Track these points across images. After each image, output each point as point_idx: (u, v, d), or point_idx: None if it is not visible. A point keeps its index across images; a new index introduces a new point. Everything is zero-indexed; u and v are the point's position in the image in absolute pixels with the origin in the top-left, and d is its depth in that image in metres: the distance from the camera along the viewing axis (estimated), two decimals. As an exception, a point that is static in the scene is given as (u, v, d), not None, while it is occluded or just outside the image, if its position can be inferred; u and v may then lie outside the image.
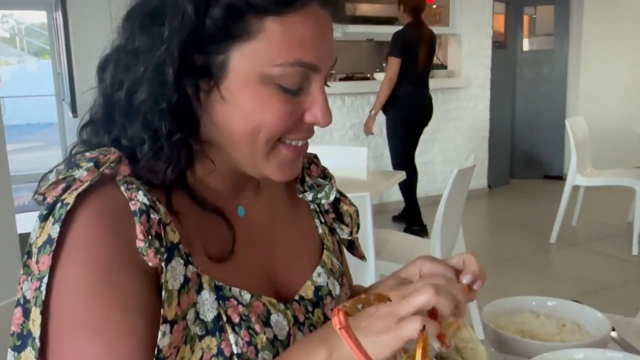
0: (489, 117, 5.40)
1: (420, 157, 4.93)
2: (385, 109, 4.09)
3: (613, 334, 0.84)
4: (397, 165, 4.13)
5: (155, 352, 0.56)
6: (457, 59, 5.25)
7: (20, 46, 13.24)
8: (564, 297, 1.68)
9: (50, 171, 0.63)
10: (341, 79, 4.91)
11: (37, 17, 11.16)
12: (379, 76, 4.96)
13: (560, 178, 5.47)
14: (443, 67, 5.35)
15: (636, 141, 4.29)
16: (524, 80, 6.02)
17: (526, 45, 6.19)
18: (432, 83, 4.82)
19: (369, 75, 5.08)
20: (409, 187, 4.19)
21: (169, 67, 0.60)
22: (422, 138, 4.92)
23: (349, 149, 3.39)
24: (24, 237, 2.86)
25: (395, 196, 4.69)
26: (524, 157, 6.06)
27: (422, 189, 4.98)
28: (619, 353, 0.65)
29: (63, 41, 4.81)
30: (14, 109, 10.26)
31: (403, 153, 4.17)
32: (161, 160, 0.63)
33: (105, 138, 0.66)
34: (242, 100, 0.63)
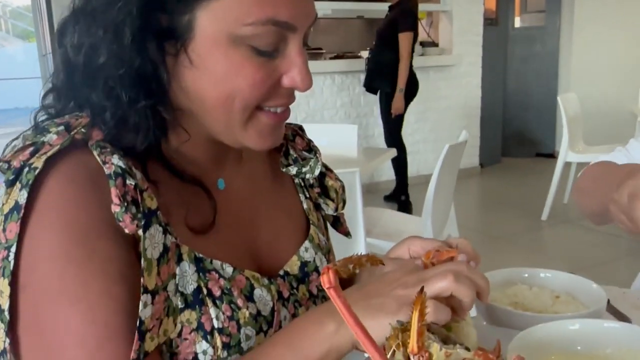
0: (481, 95, 5.37)
1: (412, 135, 4.90)
2: (384, 86, 4.05)
3: (611, 305, 0.82)
4: (392, 143, 4.13)
5: (137, 324, 0.53)
6: (448, 37, 5.20)
7: (5, 29, 13.00)
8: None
9: (16, 138, 0.59)
10: (331, 58, 4.85)
11: (22, -1, 10.95)
12: (366, 54, 4.94)
13: (552, 156, 5.47)
14: (434, 44, 5.30)
15: (628, 117, 4.28)
16: (516, 57, 5.99)
17: (518, 22, 6.15)
18: (423, 60, 4.79)
19: (359, 54, 5.02)
20: (403, 164, 4.24)
21: (128, 27, 0.56)
22: (413, 117, 4.91)
23: (339, 126, 3.35)
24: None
25: (387, 175, 4.68)
26: (515, 135, 6.05)
27: (414, 168, 4.96)
28: (615, 323, 0.63)
29: (47, 24, 4.72)
30: (1, 93, 10.11)
31: (399, 130, 4.19)
32: (130, 129, 0.58)
33: (69, 105, 0.62)
34: (212, 64, 0.58)
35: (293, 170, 0.76)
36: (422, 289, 0.45)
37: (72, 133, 0.57)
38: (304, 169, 0.76)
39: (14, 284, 0.53)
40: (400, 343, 0.44)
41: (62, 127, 0.57)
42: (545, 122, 5.86)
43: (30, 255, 0.53)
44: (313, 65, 4.72)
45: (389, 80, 3.97)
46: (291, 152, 0.78)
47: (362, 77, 4.61)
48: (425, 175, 4.84)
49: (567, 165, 4.00)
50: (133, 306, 0.54)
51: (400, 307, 0.53)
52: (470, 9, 5.18)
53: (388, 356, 0.45)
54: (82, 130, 0.58)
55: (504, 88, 5.95)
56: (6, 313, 0.53)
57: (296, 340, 0.56)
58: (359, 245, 1.78)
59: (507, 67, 5.97)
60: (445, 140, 5.37)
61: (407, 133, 4.86)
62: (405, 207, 4.21)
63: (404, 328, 0.45)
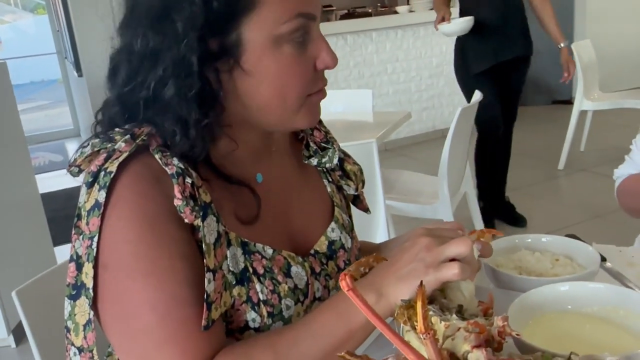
0: (495, 45, 5.30)
1: (426, 91, 4.92)
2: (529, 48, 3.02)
3: (607, 264, 0.91)
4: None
5: (205, 297, 0.64)
6: (459, -12, 5.10)
7: (14, 2, 12.97)
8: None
9: (85, 145, 0.70)
10: (342, 17, 4.82)
11: (28, -30, 10.87)
12: (402, 9, 4.76)
13: (570, 102, 5.42)
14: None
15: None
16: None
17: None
18: (434, 14, 4.73)
19: (370, 10, 4.98)
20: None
21: (193, 58, 0.65)
22: (427, 72, 4.89)
23: (354, 92, 3.39)
24: (45, 197, 2.94)
25: (404, 132, 4.72)
26: (531, 83, 5.94)
27: (430, 123, 5.00)
28: (600, 284, 0.72)
29: (59, -2, 4.75)
30: (16, 68, 10.20)
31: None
32: (189, 144, 0.68)
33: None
34: (264, 68, 0.68)
35: (314, 161, 0.86)
36: (421, 282, 0.54)
37: (138, 141, 0.67)
38: (323, 160, 0.86)
39: (96, 266, 0.64)
40: (407, 319, 0.54)
41: (128, 136, 0.68)
42: (561, 68, 5.77)
43: (109, 241, 0.64)
44: (324, 26, 4.65)
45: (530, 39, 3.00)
46: (311, 144, 0.87)
47: (374, 35, 4.59)
48: (442, 129, 4.88)
49: (583, 113, 3.99)
50: (194, 279, 0.65)
51: (427, 268, 0.63)
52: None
53: (401, 334, 0.54)
54: (144, 138, 0.68)
55: (518, 36, 5.85)
56: (90, 290, 0.64)
57: (342, 308, 0.65)
58: (379, 209, 1.88)
59: (521, 14, 5.84)
60: (459, 94, 5.31)
61: (421, 89, 4.88)
62: (511, 215, 3.06)
63: (408, 306, 0.55)
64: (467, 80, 2.95)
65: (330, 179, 0.90)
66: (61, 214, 3.29)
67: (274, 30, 0.67)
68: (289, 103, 0.71)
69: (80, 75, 4.36)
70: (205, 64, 0.67)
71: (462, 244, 0.64)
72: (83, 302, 0.65)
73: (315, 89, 0.73)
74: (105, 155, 0.67)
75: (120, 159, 0.65)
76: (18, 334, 2.40)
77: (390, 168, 2.87)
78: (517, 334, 0.54)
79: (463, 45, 2.96)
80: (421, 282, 0.53)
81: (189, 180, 0.66)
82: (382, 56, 4.62)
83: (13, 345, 2.39)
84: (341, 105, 2.68)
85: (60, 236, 2.85)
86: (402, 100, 4.83)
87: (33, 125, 7.25)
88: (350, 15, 4.85)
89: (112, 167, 0.65)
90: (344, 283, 0.53)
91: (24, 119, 2.72)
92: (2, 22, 12.88)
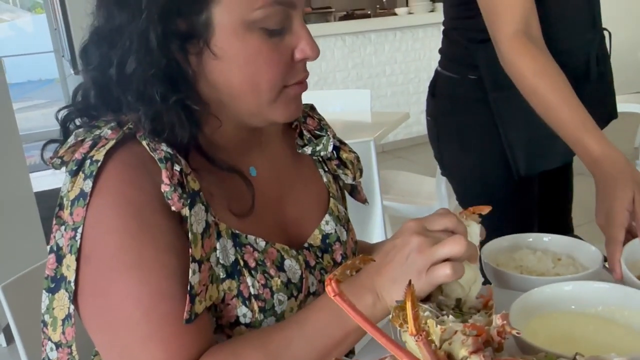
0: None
1: (425, 93, 4.89)
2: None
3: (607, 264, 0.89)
4: None
5: (188, 289, 0.62)
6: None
7: (12, 1, 12.96)
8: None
9: (65, 135, 0.68)
10: (341, 18, 4.82)
11: (26, -31, 10.86)
12: (401, 11, 4.72)
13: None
14: (445, -1, 5.21)
15: (638, 66, 4.22)
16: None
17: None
18: (433, 17, 4.73)
19: (369, 12, 4.98)
20: None
21: (152, 33, 0.63)
22: (426, 74, 4.87)
23: (352, 92, 3.38)
24: (39, 196, 2.92)
25: (402, 134, 4.71)
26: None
27: (422, 127, 4.98)
28: (604, 284, 0.70)
29: (56, -4, 4.73)
30: (13, 66, 10.18)
31: None
32: (165, 125, 0.66)
33: (109, 115, 0.69)
34: (234, 52, 0.66)
35: (308, 150, 0.84)
36: (409, 282, 0.51)
37: (125, 128, 0.65)
38: (317, 148, 0.84)
39: (79, 258, 0.62)
40: (402, 321, 0.52)
41: (114, 124, 0.66)
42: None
43: (93, 231, 0.62)
44: (323, 27, 4.63)
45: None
46: (304, 132, 0.85)
47: (373, 36, 4.58)
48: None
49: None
50: (181, 272, 0.62)
51: (420, 273, 0.60)
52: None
53: (399, 336, 0.52)
54: (130, 126, 0.66)
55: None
56: (72, 284, 0.62)
57: (337, 308, 0.63)
58: (376, 209, 1.86)
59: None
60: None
61: (420, 91, 4.87)
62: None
63: (402, 307, 0.52)
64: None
65: (327, 169, 0.87)
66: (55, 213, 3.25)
67: (246, 15, 0.64)
68: (263, 92, 0.68)
69: (77, 72, 4.33)
70: (171, 42, 0.65)
71: (455, 243, 0.60)
72: (62, 296, 0.63)
73: (293, 81, 0.70)
74: (90, 143, 0.65)
75: (107, 146, 0.63)
76: (9, 333, 2.37)
77: (388, 169, 2.85)
78: (518, 332, 0.52)
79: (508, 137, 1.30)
80: (409, 281, 0.51)
81: (177, 167, 0.64)
82: (381, 57, 4.61)
83: (4, 344, 2.36)
84: (339, 105, 2.66)
85: (54, 235, 2.82)
86: (401, 101, 4.82)
87: (29, 124, 7.22)
88: (349, 16, 4.85)
89: (99, 155, 0.63)
90: (330, 288, 0.51)
91: (20, 118, 2.71)
92: (1, 20, 12.86)
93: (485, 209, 0.68)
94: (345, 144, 0.90)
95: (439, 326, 0.52)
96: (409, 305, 0.47)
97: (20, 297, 0.87)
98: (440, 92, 1.32)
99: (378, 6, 5.22)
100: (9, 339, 2.37)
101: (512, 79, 1.01)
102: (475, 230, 0.66)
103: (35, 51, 8.96)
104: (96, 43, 0.67)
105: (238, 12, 0.64)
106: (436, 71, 1.34)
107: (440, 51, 1.34)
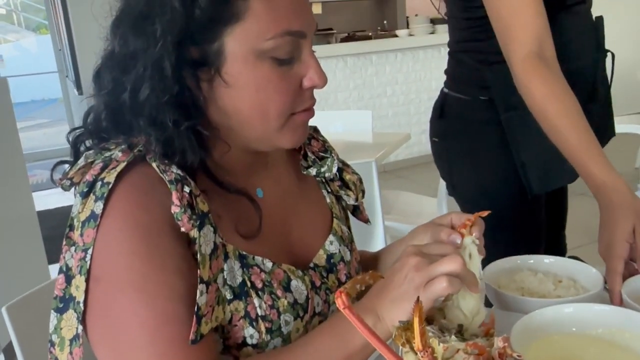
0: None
1: (426, 114, 4.93)
2: None
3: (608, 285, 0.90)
4: None
5: (196, 309, 0.62)
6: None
7: (17, 22, 13.12)
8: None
9: (76, 156, 0.69)
10: (342, 40, 4.87)
11: (32, -9, 11.02)
12: (402, 33, 4.75)
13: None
14: (445, 21, 5.27)
15: (639, 87, 4.25)
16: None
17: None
18: (434, 38, 4.79)
19: (370, 34, 5.03)
20: None
21: (166, 61, 0.64)
22: (427, 95, 4.92)
23: (354, 112, 3.40)
24: (42, 215, 2.93)
25: (403, 154, 4.73)
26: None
27: (428, 145, 4.99)
28: (605, 306, 0.71)
29: (62, 18, 4.79)
30: (17, 86, 10.27)
31: None
32: (176, 150, 0.67)
33: (119, 137, 0.70)
34: (244, 80, 0.67)
35: (313, 171, 0.85)
36: (417, 298, 0.53)
37: (135, 150, 0.66)
38: (322, 169, 0.85)
39: (88, 279, 0.62)
40: (405, 341, 0.53)
41: (124, 146, 0.67)
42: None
43: (102, 252, 0.63)
44: (325, 48, 4.67)
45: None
46: (309, 154, 0.86)
47: (374, 58, 4.62)
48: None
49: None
50: (188, 295, 0.63)
51: (417, 289, 0.61)
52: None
53: (400, 355, 0.53)
54: (140, 148, 0.67)
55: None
56: (81, 305, 0.62)
57: (340, 330, 0.64)
58: (378, 230, 1.87)
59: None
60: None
61: (420, 111, 4.91)
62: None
63: (406, 327, 0.54)
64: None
65: (329, 190, 0.88)
66: (57, 232, 3.24)
67: (257, 44, 0.66)
68: (271, 119, 0.69)
69: (80, 93, 4.38)
70: (184, 69, 0.66)
71: (452, 261, 0.61)
72: (71, 316, 0.63)
73: (301, 108, 0.71)
74: (101, 164, 0.66)
75: (118, 169, 0.64)
76: (9, 352, 2.36)
77: (389, 189, 2.86)
78: (519, 355, 0.53)
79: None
80: (418, 298, 0.52)
81: (187, 188, 0.65)
82: (382, 78, 4.66)
83: (4, 364, 2.35)
84: (341, 126, 2.68)
85: (56, 254, 2.79)
86: (402, 122, 4.85)
87: (32, 143, 7.26)
88: (350, 38, 4.90)
89: (110, 177, 0.64)
90: (340, 301, 0.52)
91: (23, 137, 2.72)
92: (6, 41, 13.00)
93: (482, 214, 0.71)
94: (348, 166, 0.91)
95: (441, 344, 0.53)
96: (416, 320, 0.48)
97: (24, 318, 0.88)
98: (449, 113, 1.32)
99: (379, 28, 5.28)
100: (9, 357, 2.36)
101: (524, 100, 1.03)
102: (476, 263, 0.67)
103: (40, 71, 9.05)
104: (109, 67, 0.69)
105: (250, 42, 0.66)
106: (443, 92, 1.35)
107: (447, 72, 1.35)
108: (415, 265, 0.62)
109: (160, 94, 0.65)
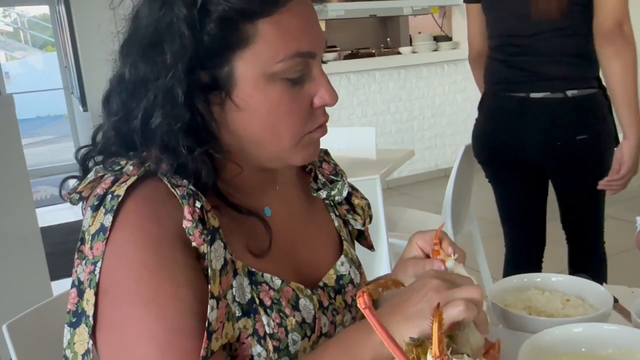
0: (497, 87, 5.38)
1: (429, 130, 4.95)
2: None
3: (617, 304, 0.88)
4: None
5: (206, 325, 0.61)
6: (461, 30, 5.21)
7: (24, 40, 13.27)
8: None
9: (85, 173, 0.69)
10: (345, 57, 4.90)
11: (39, 8, 11.17)
12: (405, 50, 4.78)
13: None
14: (448, 38, 5.32)
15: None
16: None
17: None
18: (438, 55, 4.82)
19: (373, 51, 5.07)
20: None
21: (178, 90, 0.64)
22: (430, 112, 4.94)
23: (358, 129, 3.41)
24: (45, 231, 2.93)
25: (407, 170, 4.73)
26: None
27: (432, 162, 5.01)
28: (615, 326, 0.69)
29: (68, 36, 4.85)
30: (23, 103, 10.37)
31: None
32: (190, 173, 0.67)
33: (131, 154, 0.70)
34: (255, 103, 0.67)
35: (323, 194, 0.85)
36: (438, 304, 0.53)
37: (147, 164, 0.66)
38: (332, 192, 0.85)
39: (97, 292, 0.62)
40: (415, 357, 0.53)
41: (136, 160, 0.67)
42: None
43: (111, 265, 0.62)
44: (328, 66, 4.70)
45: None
46: (319, 177, 0.86)
47: (377, 75, 4.65)
48: (444, 169, 4.89)
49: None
50: (198, 308, 0.62)
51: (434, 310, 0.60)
52: (482, 1, 5.18)
53: None
54: (152, 164, 0.66)
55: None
56: (91, 318, 0.62)
57: (348, 347, 0.63)
58: (382, 247, 1.86)
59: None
60: (461, 134, 5.31)
61: (424, 128, 4.92)
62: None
63: (417, 344, 0.54)
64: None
65: (337, 213, 0.88)
66: (60, 248, 3.25)
67: (267, 67, 0.66)
68: (284, 140, 0.69)
69: (85, 109, 4.41)
70: (195, 95, 0.66)
71: (472, 289, 0.62)
72: (82, 331, 0.62)
73: (314, 126, 0.71)
74: (112, 178, 0.65)
75: (129, 182, 0.64)
76: (10, 370, 2.34)
77: (393, 206, 2.85)
78: None
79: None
80: (438, 304, 0.52)
81: (198, 203, 0.64)
82: (385, 95, 4.68)
83: (4, 382, 2.33)
84: (344, 143, 2.68)
85: (58, 270, 2.81)
86: (405, 139, 4.86)
87: (36, 159, 7.30)
88: (354, 55, 4.93)
89: (120, 190, 0.64)
90: (361, 300, 0.52)
91: (29, 153, 2.74)
92: (13, 58, 13.14)
93: (442, 226, 0.77)
94: (357, 190, 0.91)
95: (454, 358, 0.53)
96: (435, 326, 0.48)
97: (25, 336, 0.87)
98: (599, 110, 1.73)
99: (382, 45, 5.32)
100: (9, 377, 2.33)
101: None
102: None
103: (45, 88, 9.13)
104: (119, 93, 0.68)
105: (260, 65, 0.65)
106: (585, 94, 1.71)
107: (566, 76, 1.71)
108: (435, 287, 0.63)
109: (172, 122, 0.65)
